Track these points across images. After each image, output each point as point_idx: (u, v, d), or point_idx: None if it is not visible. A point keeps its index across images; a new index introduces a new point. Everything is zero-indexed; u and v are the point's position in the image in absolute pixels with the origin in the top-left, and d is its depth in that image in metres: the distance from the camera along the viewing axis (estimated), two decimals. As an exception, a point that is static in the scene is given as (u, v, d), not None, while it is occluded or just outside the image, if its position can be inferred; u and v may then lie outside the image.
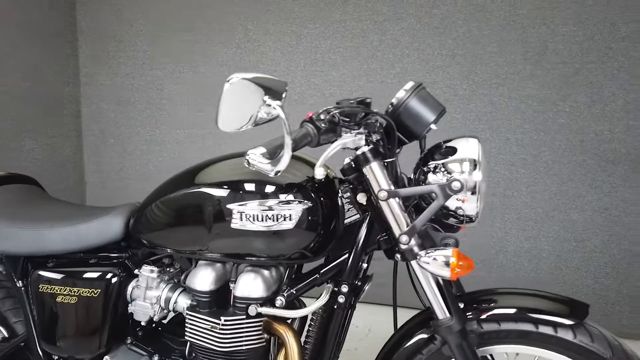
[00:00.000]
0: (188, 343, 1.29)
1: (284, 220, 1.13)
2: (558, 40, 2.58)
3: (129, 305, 1.30)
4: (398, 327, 1.26)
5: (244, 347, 1.17)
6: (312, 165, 1.19)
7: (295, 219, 1.13)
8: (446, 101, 2.76)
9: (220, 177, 1.21)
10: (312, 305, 1.17)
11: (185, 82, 3.23)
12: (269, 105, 1.03)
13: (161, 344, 1.36)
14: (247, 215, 1.13)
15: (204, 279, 1.22)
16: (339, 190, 1.21)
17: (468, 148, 1.11)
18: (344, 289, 1.18)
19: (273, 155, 0.98)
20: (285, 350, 1.18)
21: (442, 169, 1.10)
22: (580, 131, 2.57)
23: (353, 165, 1.17)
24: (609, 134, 2.53)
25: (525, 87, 2.64)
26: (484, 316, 1.11)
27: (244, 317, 1.18)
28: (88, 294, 1.27)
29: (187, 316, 1.22)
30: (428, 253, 1.04)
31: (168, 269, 1.32)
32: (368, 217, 1.21)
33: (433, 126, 1.16)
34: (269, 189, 1.15)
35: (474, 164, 1.08)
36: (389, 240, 1.19)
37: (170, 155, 3.33)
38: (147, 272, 1.28)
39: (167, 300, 1.27)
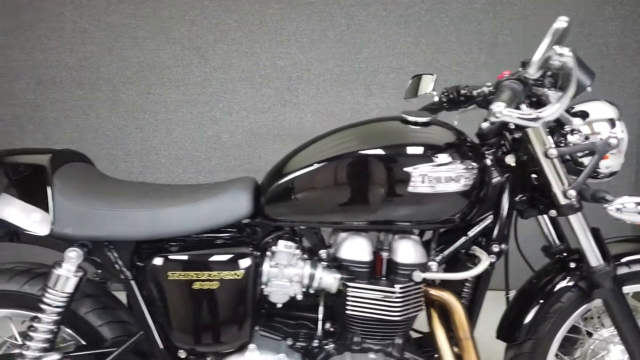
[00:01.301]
0: (320, 321, 1.21)
1: (453, 182, 1.14)
2: (507, 33, 2.91)
3: (264, 287, 1.17)
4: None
5: (413, 315, 1.17)
6: (455, 131, 1.22)
7: (463, 180, 1.15)
8: (413, 86, 2.93)
9: (384, 141, 1.16)
10: (477, 268, 1.20)
11: (129, 60, 2.88)
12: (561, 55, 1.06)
13: (287, 326, 1.26)
14: (422, 178, 1.11)
15: (361, 248, 1.17)
16: (484, 153, 1.25)
17: (600, 109, 1.23)
18: (495, 249, 1.23)
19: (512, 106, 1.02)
20: (452, 314, 1.19)
21: (579, 131, 1.21)
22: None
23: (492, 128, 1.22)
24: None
25: (479, 74, 2.93)
26: (619, 261, 1.27)
27: (413, 283, 1.17)
28: (231, 277, 1.11)
29: (351, 289, 1.15)
30: (613, 202, 1.15)
31: (301, 245, 1.22)
32: (509, 178, 1.26)
33: (589, 89, 1.26)
34: (439, 150, 1.15)
35: (613, 122, 1.21)
36: (538, 198, 1.26)
37: (110, 144, 2.94)
38: (284, 248, 1.17)
39: (311, 277, 1.17)
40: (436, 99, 1.59)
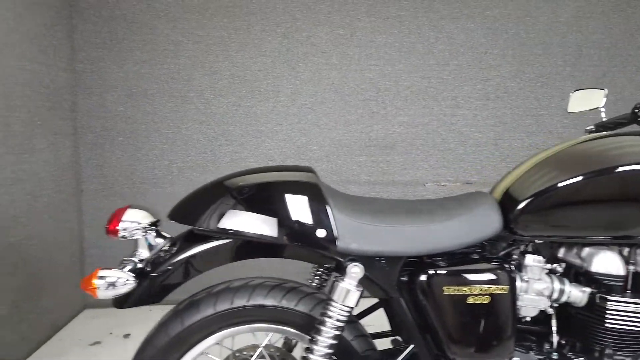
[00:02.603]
0: (554, 334, 1.23)
1: None
2: (590, 46, 2.97)
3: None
4: None
5: None
6: None
7: None
8: (497, 97, 3.00)
9: None
10: None
11: (220, 73, 2.90)
12: None
13: (524, 340, 1.27)
14: None
15: (616, 263, 1.20)
16: None
17: None
18: None
19: None
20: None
21: None
22: (608, 125, 3.01)
23: None
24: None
25: (565, 86, 2.98)
26: None
27: None
28: (499, 291, 1.13)
29: (612, 303, 1.16)
30: None
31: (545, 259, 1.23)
32: None
33: None
34: None
35: None
36: None
37: (200, 155, 2.95)
38: (534, 262, 1.19)
39: (561, 291, 1.19)
40: (603, 114, 1.62)
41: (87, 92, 2.85)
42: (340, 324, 1.11)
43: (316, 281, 1.46)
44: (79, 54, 2.82)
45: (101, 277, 1.06)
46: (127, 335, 2.56)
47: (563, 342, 1.25)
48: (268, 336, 1.28)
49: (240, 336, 1.23)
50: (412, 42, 2.93)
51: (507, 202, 1.21)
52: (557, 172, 1.18)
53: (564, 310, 1.26)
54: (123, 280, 1.07)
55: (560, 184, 1.15)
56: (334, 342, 1.11)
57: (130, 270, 1.11)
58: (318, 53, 2.91)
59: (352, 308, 1.12)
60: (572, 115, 2.99)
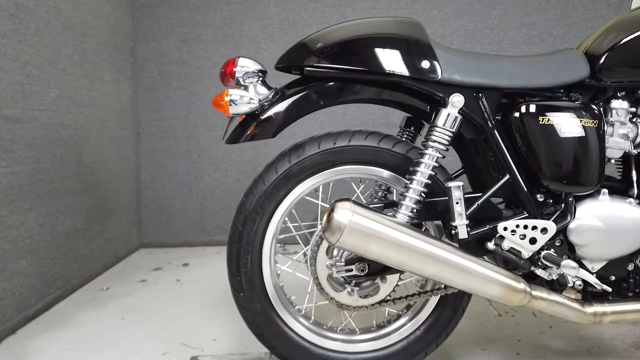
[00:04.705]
0: (635, 182, 1.29)
1: None
2: (634, -11, 3.01)
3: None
4: None
5: None
6: None
7: None
8: (542, 41, 3.04)
9: None
10: None
11: (270, 18, 2.99)
12: None
13: None
14: None
15: None
16: None
17: None
18: None
19: None
20: None
21: None
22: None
23: None
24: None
25: (609, 29, 3.02)
26: None
27: None
28: (591, 124, 1.20)
29: None
30: None
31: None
32: None
33: None
34: None
35: None
36: None
37: (251, 99, 3.03)
38: (620, 105, 1.24)
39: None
40: None
41: (145, 37, 2.97)
42: (443, 148, 1.18)
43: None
44: (137, 1, 2.95)
45: (231, 95, 1.16)
46: (185, 264, 2.66)
47: None
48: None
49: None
50: (458, -13, 3.00)
51: (592, 53, 1.27)
52: (636, 24, 1.24)
53: None
54: (248, 98, 1.16)
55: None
56: (433, 173, 1.17)
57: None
58: (366, -2, 2.99)
59: (453, 134, 1.19)
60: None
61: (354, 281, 1.22)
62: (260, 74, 1.26)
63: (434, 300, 1.31)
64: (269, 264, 1.26)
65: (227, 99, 1.17)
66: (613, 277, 1.26)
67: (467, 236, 1.16)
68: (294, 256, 1.33)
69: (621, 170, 1.38)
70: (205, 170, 3.09)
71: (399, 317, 1.35)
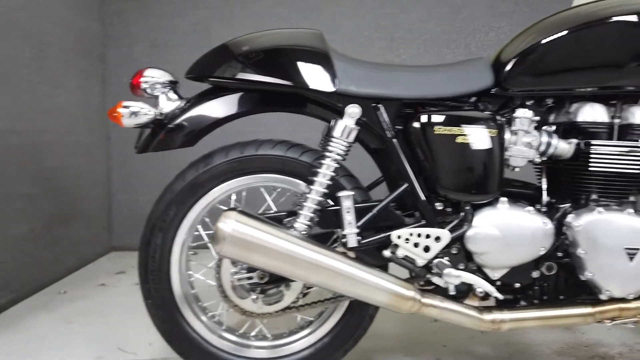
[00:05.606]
0: (544, 191, 1.29)
1: None
2: (603, -9, 2.99)
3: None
4: None
5: None
6: None
7: None
8: (513, 43, 3.03)
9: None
10: None
11: (237, 24, 3.02)
12: None
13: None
14: None
15: (601, 112, 1.25)
16: None
17: None
18: None
19: None
20: None
21: None
22: None
23: None
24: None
25: (577, 31, 3.01)
26: None
27: None
28: (488, 134, 1.20)
29: (595, 147, 1.22)
30: None
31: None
32: None
33: None
34: None
35: None
36: None
37: (220, 104, 3.07)
38: (523, 114, 1.24)
39: (548, 144, 1.24)
40: None
41: (117, 43, 3.02)
42: (340, 158, 1.20)
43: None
44: (108, 7, 3.00)
45: (125, 107, 1.19)
46: (151, 268, 2.70)
47: (553, 201, 1.30)
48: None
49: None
50: (424, -9, 3.00)
51: (498, 62, 1.28)
52: (545, 31, 1.25)
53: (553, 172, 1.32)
54: (145, 110, 1.20)
55: (547, 39, 1.22)
56: (330, 183, 1.20)
57: (150, 121, 1.24)
58: (332, 2, 3.01)
59: (350, 144, 1.21)
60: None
61: (258, 288, 1.24)
62: (170, 84, 1.29)
63: (342, 308, 1.33)
64: (178, 271, 1.29)
65: (119, 110, 1.20)
66: (518, 285, 1.27)
67: (356, 245, 1.18)
68: (208, 263, 1.35)
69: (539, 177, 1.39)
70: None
71: (310, 323, 1.37)
